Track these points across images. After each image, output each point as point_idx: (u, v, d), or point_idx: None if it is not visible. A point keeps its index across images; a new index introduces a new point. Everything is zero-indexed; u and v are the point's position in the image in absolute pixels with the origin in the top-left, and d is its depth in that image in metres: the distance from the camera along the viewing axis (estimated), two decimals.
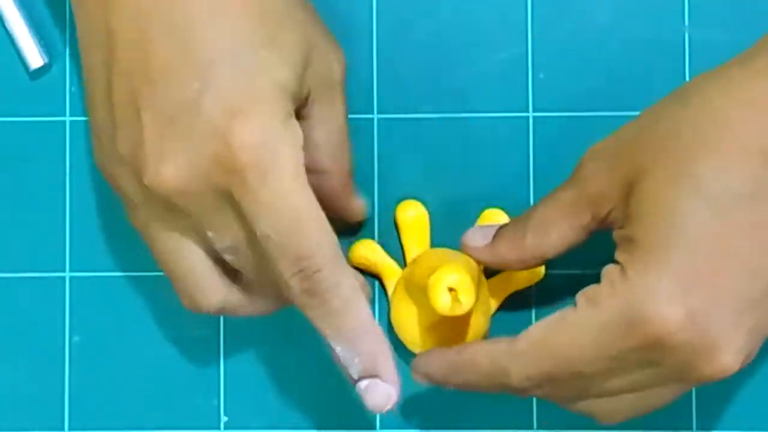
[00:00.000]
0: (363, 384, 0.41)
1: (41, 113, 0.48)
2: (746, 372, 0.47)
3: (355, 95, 0.48)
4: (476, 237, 0.45)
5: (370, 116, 0.48)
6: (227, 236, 0.40)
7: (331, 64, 0.42)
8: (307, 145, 0.41)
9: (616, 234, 0.40)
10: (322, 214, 0.40)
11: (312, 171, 0.42)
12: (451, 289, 0.42)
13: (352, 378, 0.41)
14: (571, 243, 0.42)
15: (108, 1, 0.39)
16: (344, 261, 0.40)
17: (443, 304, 0.42)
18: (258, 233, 0.39)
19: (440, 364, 0.43)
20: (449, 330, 0.45)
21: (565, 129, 0.48)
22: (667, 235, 0.38)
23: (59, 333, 0.48)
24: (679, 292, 0.38)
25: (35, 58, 0.48)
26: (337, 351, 0.41)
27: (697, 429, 0.48)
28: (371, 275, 0.48)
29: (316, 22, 0.43)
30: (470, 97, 0.48)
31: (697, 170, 0.38)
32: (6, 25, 0.48)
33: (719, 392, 0.47)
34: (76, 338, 0.48)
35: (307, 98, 0.42)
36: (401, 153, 0.48)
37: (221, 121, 0.38)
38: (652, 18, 0.48)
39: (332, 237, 0.40)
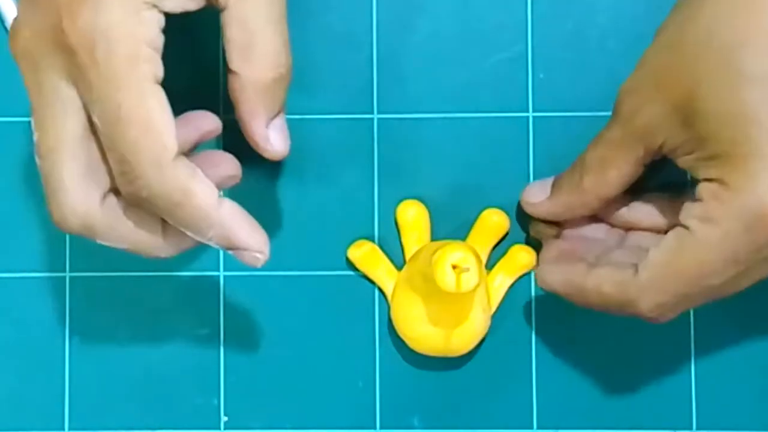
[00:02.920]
0: (231, 252, 0.42)
1: None
2: (746, 372, 0.47)
3: (355, 95, 0.48)
4: (535, 192, 0.46)
5: (370, 116, 0.48)
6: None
7: None
8: (225, 40, 0.40)
9: (684, 160, 0.41)
10: (156, 115, 0.38)
11: (229, 71, 0.41)
12: (455, 267, 0.42)
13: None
14: (630, 177, 0.43)
15: None
16: (177, 163, 0.39)
17: (448, 281, 0.42)
18: (93, 119, 0.39)
19: (564, 283, 0.44)
20: (451, 325, 0.45)
21: (565, 129, 0.48)
22: (754, 137, 0.38)
23: (59, 333, 0.48)
24: None
25: None
26: (196, 238, 0.41)
27: (697, 429, 0.48)
28: (369, 279, 0.48)
29: None
30: (470, 97, 0.48)
31: (748, 64, 0.38)
32: (6, 25, 0.48)
33: (719, 392, 0.48)
34: (76, 338, 0.48)
35: None
36: (401, 153, 0.48)
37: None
38: (652, 18, 0.48)
39: (160, 140, 0.38)
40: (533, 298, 0.48)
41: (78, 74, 0.38)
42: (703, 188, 0.40)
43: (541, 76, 0.48)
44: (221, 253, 0.48)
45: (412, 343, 0.47)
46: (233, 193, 0.48)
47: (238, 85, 0.41)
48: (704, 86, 0.39)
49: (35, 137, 0.40)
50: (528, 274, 0.48)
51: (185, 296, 0.48)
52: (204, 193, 0.40)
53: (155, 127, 0.38)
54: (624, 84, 0.42)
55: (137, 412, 0.48)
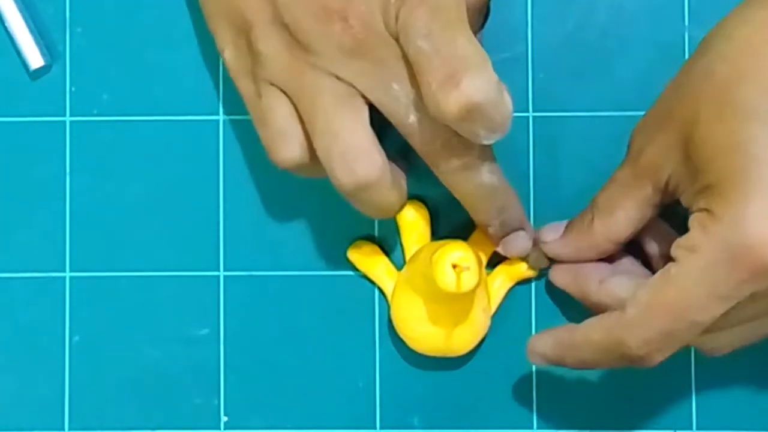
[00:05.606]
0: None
1: (41, 113, 0.48)
2: (746, 372, 0.47)
3: None
4: (549, 232, 0.46)
5: None
6: (408, 83, 0.41)
7: None
8: None
9: (686, 198, 0.41)
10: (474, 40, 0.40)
11: None
12: (455, 267, 0.42)
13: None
14: (638, 220, 0.43)
15: None
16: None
17: (448, 280, 0.42)
18: (411, 51, 0.40)
19: (554, 344, 0.44)
20: (451, 325, 0.45)
21: (565, 129, 0.48)
22: (743, 167, 0.38)
23: (59, 333, 0.48)
24: None
25: (35, 58, 0.48)
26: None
27: (697, 429, 0.48)
28: (369, 279, 0.48)
29: None
30: None
31: (743, 99, 0.38)
32: (6, 25, 0.48)
33: (719, 392, 0.47)
34: (76, 338, 0.48)
35: None
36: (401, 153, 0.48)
37: None
38: (652, 18, 0.48)
39: (485, 55, 0.40)
40: (533, 299, 0.48)
41: (403, 12, 0.40)
42: (692, 219, 0.40)
43: (541, 76, 0.48)
44: (221, 253, 0.48)
45: (412, 343, 0.46)
46: (233, 191, 0.48)
47: None
48: (702, 119, 0.39)
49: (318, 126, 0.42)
50: (528, 281, 0.48)
51: (185, 296, 0.48)
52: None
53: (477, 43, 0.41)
54: (638, 121, 0.43)
55: (137, 412, 0.48)
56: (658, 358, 0.41)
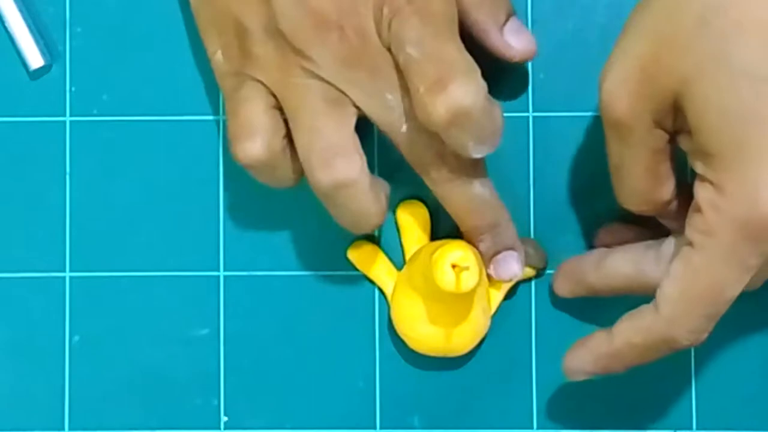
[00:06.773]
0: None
1: (41, 113, 0.48)
2: (746, 372, 0.47)
3: None
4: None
5: None
6: (401, 93, 0.41)
7: None
8: None
9: (685, 142, 0.40)
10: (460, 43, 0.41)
11: None
12: (454, 267, 0.42)
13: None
14: (672, 160, 0.42)
15: None
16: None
17: (448, 280, 0.42)
18: (402, 59, 0.40)
19: (595, 358, 0.43)
20: (451, 325, 0.45)
21: (565, 129, 0.48)
22: (745, 139, 0.37)
23: (59, 333, 0.48)
24: None
25: (35, 58, 0.48)
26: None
27: (697, 429, 0.48)
28: (369, 279, 0.48)
29: None
30: None
31: (749, 57, 0.37)
32: (6, 25, 0.48)
33: (719, 392, 0.47)
34: (76, 338, 0.48)
35: None
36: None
37: None
38: None
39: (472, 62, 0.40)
40: (533, 298, 0.48)
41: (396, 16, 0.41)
42: (701, 196, 0.39)
43: (541, 76, 0.48)
44: (221, 253, 0.48)
45: (412, 343, 0.47)
46: (233, 191, 0.48)
47: (461, 7, 0.43)
48: (698, 77, 0.38)
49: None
50: (527, 281, 0.48)
51: (185, 296, 0.48)
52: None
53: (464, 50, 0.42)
54: (606, 83, 0.41)
55: (137, 412, 0.48)
56: (705, 336, 0.41)
